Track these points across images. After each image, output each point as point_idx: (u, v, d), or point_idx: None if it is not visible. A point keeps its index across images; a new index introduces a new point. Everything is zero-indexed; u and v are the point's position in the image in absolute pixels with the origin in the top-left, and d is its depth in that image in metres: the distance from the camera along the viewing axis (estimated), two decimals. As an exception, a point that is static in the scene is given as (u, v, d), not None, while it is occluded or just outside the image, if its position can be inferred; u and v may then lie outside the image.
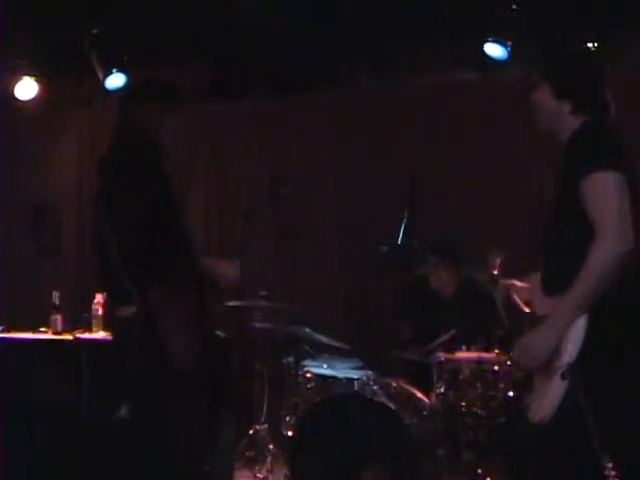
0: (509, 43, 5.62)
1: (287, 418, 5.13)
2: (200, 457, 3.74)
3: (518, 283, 3.53)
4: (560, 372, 2.84)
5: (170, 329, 3.54)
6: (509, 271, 3.78)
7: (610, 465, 2.74)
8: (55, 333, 5.98)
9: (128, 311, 3.59)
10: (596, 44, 5.28)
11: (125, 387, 5.08)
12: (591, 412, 2.78)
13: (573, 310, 2.85)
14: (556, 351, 2.88)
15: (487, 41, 5.70)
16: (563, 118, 3.09)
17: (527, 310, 3.38)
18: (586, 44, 5.28)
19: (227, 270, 3.93)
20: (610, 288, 2.81)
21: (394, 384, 4.90)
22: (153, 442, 3.71)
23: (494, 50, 5.71)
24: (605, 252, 2.78)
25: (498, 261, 3.82)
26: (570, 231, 2.96)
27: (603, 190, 2.83)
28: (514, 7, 5.50)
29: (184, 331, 3.59)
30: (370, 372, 4.99)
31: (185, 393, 3.64)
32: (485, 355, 4.93)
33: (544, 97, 3.13)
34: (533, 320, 3.16)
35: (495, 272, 3.81)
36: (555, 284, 2.96)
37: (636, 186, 2.92)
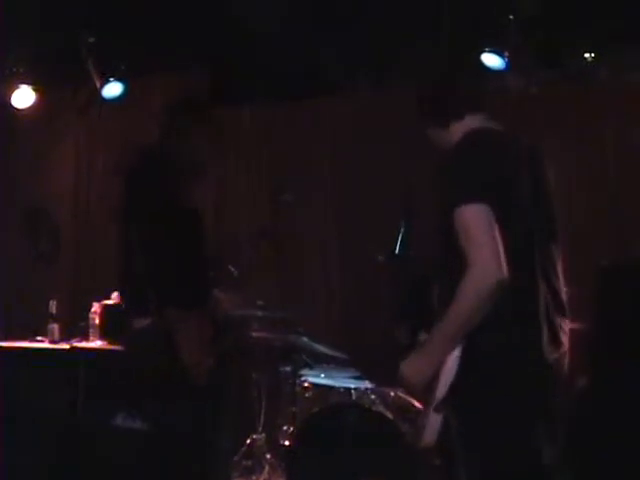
0: (506, 53, 5.63)
1: (284, 427, 5.13)
2: (203, 466, 3.77)
3: None
4: (434, 405, 2.84)
5: (184, 344, 3.58)
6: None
7: None
8: (52, 342, 5.96)
9: (144, 323, 3.64)
10: (593, 55, 5.31)
11: (122, 396, 5.13)
12: (461, 448, 2.82)
13: (445, 340, 2.80)
14: (434, 384, 2.85)
15: (484, 51, 5.71)
16: (439, 136, 3.11)
17: None
18: (583, 55, 5.30)
19: (228, 304, 4.02)
20: (485, 320, 2.74)
21: (392, 393, 4.90)
22: (159, 451, 3.74)
23: (491, 60, 5.73)
24: (475, 284, 2.70)
25: None
26: (447, 258, 2.90)
27: (469, 224, 2.74)
28: (511, 17, 5.51)
29: (197, 347, 3.63)
30: (368, 381, 4.99)
31: (194, 404, 3.69)
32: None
33: (427, 130, 3.17)
34: None
35: None
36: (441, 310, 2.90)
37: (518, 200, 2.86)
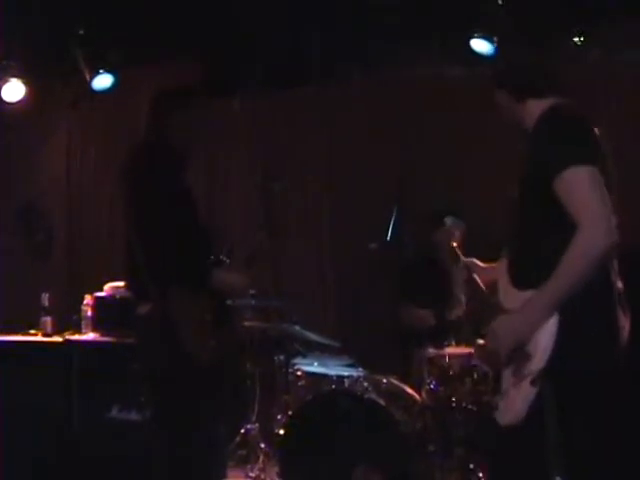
0: (495, 39, 5.62)
1: (278, 416, 5.14)
2: (203, 456, 3.78)
3: (479, 263, 3.49)
4: (530, 378, 2.80)
5: (186, 328, 3.63)
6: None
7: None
8: (45, 335, 5.95)
9: (146, 309, 3.71)
10: (582, 38, 5.29)
11: (115, 388, 5.14)
12: (554, 422, 2.74)
13: (550, 302, 2.80)
14: (526, 355, 2.84)
15: (474, 37, 5.70)
16: (514, 107, 3.11)
17: (486, 292, 3.35)
18: (572, 39, 5.29)
19: (237, 281, 4.00)
20: (583, 291, 2.76)
21: (384, 381, 4.91)
22: (165, 438, 3.77)
23: (481, 46, 5.72)
24: (588, 246, 2.74)
25: (457, 233, 3.71)
26: (543, 225, 2.91)
27: (581, 185, 2.78)
28: (500, 2, 5.50)
29: (199, 329, 3.69)
30: (361, 369, 4.99)
31: (198, 390, 3.73)
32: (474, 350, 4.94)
33: (496, 95, 3.17)
34: (493, 305, 3.12)
35: (454, 244, 3.70)
36: (527, 278, 2.91)
37: (608, 174, 2.89)
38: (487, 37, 5.64)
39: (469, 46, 5.74)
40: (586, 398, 2.80)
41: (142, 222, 3.68)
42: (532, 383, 2.79)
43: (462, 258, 3.57)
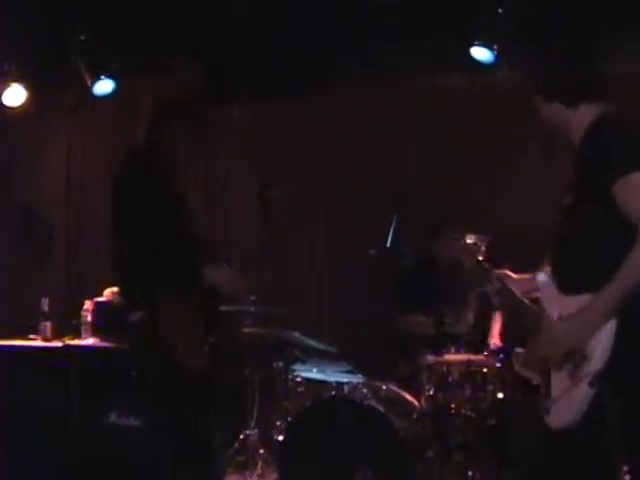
0: (495, 47, 5.64)
1: (277, 422, 5.14)
2: (200, 462, 3.79)
3: (512, 274, 3.50)
4: (589, 379, 2.81)
5: (175, 334, 3.64)
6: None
7: (626, 470, 2.75)
8: (44, 340, 5.96)
9: (137, 316, 3.70)
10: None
11: (115, 393, 5.14)
12: (616, 421, 2.77)
13: (612, 304, 2.82)
14: (584, 357, 2.86)
15: (474, 45, 5.72)
16: (564, 117, 3.09)
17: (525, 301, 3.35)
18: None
19: (230, 280, 3.95)
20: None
21: (383, 387, 4.92)
22: (157, 444, 3.81)
23: (481, 54, 5.73)
24: None
25: (483, 247, 3.69)
26: (598, 230, 2.94)
27: None
28: (500, 11, 5.51)
29: (189, 336, 3.69)
30: (360, 375, 5.00)
31: (190, 397, 3.72)
32: (474, 357, 4.95)
33: (542, 106, 3.14)
34: (536, 313, 3.15)
35: (480, 258, 3.70)
36: (580, 283, 2.94)
37: None
38: (487, 45, 5.66)
39: (469, 54, 5.76)
40: None
41: (124, 229, 3.73)
42: (590, 384, 2.81)
43: (493, 272, 3.54)
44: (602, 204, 2.89)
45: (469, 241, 3.62)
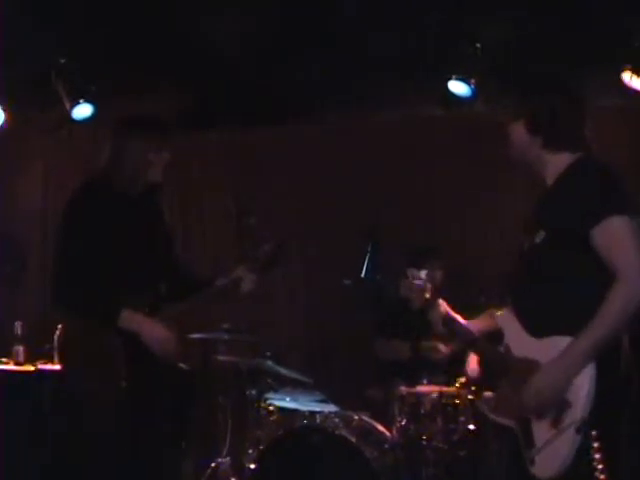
0: (472, 81, 5.71)
1: (249, 451, 5.12)
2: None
3: (460, 319, 3.44)
4: (576, 426, 2.80)
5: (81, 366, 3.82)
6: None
7: None
8: (17, 364, 5.92)
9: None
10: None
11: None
12: (604, 467, 2.76)
13: (591, 349, 2.82)
14: (566, 403, 2.85)
15: (451, 78, 5.79)
16: (539, 153, 3.11)
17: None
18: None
19: (155, 336, 3.80)
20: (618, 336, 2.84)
21: (356, 417, 4.93)
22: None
23: (458, 87, 5.80)
24: (628, 295, 2.80)
25: (429, 285, 3.61)
26: (570, 272, 2.95)
27: (621, 235, 2.84)
28: (478, 45, 5.58)
29: (101, 369, 3.74)
30: (332, 405, 5.01)
31: (144, 422, 3.70)
32: (446, 389, 4.98)
33: (517, 130, 3.15)
34: (499, 355, 3.15)
35: (428, 296, 3.58)
36: (551, 326, 2.94)
37: None
38: (464, 79, 5.73)
39: (446, 87, 5.83)
40: (634, 436, 2.88)
41: (57, 252, 3.85)
42: (577, 431, 2.80)
43: (441, 313, 3.48)
44: (577, 246, 2.90)
45: (421, 277, 3.59)
